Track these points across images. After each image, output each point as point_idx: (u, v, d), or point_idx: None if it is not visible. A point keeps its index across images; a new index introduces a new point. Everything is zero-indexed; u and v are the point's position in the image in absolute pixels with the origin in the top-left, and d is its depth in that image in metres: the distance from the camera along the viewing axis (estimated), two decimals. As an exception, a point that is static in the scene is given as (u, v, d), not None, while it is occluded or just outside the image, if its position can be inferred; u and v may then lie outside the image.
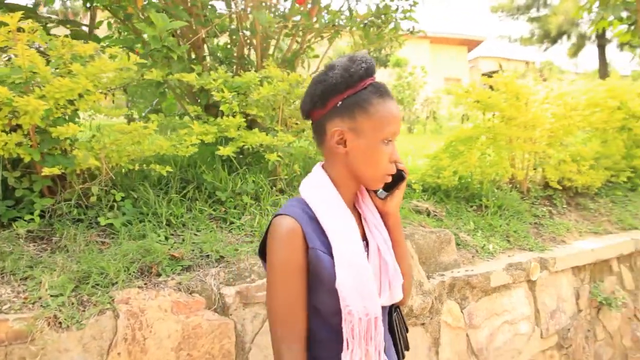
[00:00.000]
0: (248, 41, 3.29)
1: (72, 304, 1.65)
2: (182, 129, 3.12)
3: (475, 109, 3.80)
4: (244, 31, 3.03)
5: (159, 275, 1.90)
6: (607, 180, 4.55)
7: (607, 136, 4.50)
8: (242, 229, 2.35)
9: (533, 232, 3.46)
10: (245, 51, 3.33)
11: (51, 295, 1.65)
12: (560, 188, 4.06)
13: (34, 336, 1.53)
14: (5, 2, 2.72)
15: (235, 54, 3.19)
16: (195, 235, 2.22)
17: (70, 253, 1.90)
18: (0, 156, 1.96)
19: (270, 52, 3.41)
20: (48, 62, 2.03)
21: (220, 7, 3.16)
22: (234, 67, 3.26)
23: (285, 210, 1.10)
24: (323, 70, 1.15)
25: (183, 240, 2.14)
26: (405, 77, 11.66)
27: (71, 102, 2.05)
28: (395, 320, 1.25)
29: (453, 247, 2.76)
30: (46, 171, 1.94)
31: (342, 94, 1.08)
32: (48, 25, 2.81)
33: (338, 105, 1.09)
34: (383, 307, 1.15)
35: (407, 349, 1.28)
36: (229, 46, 3.42)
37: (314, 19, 3.23)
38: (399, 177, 1.19)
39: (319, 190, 1.14)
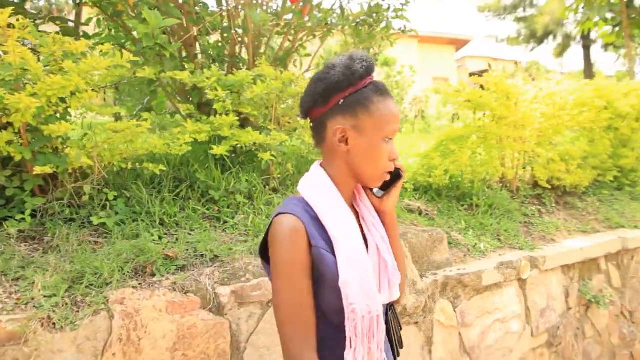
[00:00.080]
0: (240, 39, 3.27)
1: (66, 304, 1.63)
2: (173, 127, 3.10)
3: (466, 109, 3.83)
4: (236, 29, 3.01)
5: (153, 275, 1.88)
6: (594, 180, 4.61)
7: (594, 136, 4.55)
8: (236, 228, 2.34)
9: (523, 231, 3.49)
10: (237, 49, 3.32)
11: (44, 296, 1.63)
12: (549, 187, 4.11)
13: (28, 337, 1.51)
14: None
15: (227, 52, 3.17)
16: (189, 234, 2.20)
17: (62, 253, 1.88)
18: (-10, 155, 1.93)
19: (262, 50, 3.39)
20: (38, 60, 1.99)
21: (212, 5, 3.13)
22: (226, 65, 3.24)
23: (286, 208, 1.09)
24: (323, 68, 1.14)
25: (177, 239, 2.13)
26: (393, 76, 11.69)
27: (62, 100, 2.02)
28: (390, 319, 1.26)
29: (445, 246, 2.78)
30: (38, 170, 1.91)
31: (344, 92, 1.08)
32: (36, 22, 2.77)
33: (340, 103, 1.09)
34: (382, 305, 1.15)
35: (402, 347, 1.29)
36: (220, 44, 3.39)
37: (307, 18, 3.22)
38: (395, 175, 1.20)
39: (319, 189, 1.14)
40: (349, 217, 1.12)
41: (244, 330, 1.95)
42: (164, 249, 2.00)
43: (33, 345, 1.51)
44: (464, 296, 2.69)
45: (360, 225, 1.19)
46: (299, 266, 1.02)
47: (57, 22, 2.72)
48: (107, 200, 2.18)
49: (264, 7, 3.24)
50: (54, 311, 1.59)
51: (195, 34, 2.93)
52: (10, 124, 1.91)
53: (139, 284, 1.80)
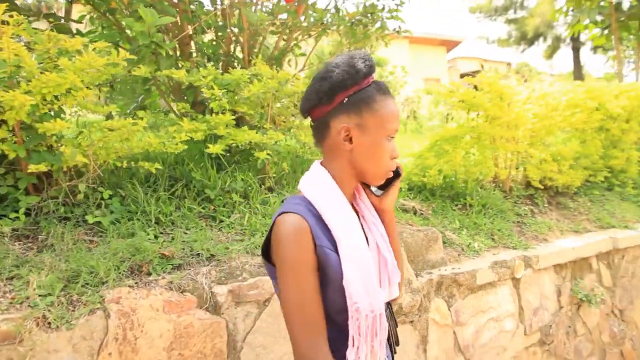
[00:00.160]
0: (234, 38, 3.26)
1: (62, 303, 1.62)
2: (166, 126, 3.09)
3: (460, 109, 3.85)
4: (232, 28, 3.00)
5: (149, 274, 1.87)
6: (585, 180, 4.65)
7: (585, 136, 4.60)
8: (232, 228, 2.33)
9: (516, 230, 3.52)
10: (231, 48, 3.30)
11: (39, 295, 1.61)
12: (542, 187, 4.14)
13: (23, 337, 1.49)
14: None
15: (222, 51, 3.16)
16: (185, 233, 2.19)
17: (57, 252, 1.86)
18: (-16, 153, 1.91)
19: (257, 49, 3.38)
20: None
21: (206, 3, 3.11)
22: (221, 64, 3.22)
23: (289, 208, 1.08)
24: (325, 67, 1.14)
25: (173, 238, 2.12)
26: (385, 76, 11.71)
27: (56, 97, 2.00)
28: (387, 317, 1.26)
29: (440, 245, 2.79)
30: (32, 168, 1.89)
31: (348, 90, 1.09)
32: (29, 18, 2.74)
33: (344, 101, 1.09)
34: None
35: (398, 344, 1.30)
36: (214, 43, 3.38)
37: (302, 17, 3.22)
38: (394, 173, 1.20)
39: (320, 187, 1.13)
40: (352, 215, 1.12)
41: (241, 330, 1.94)
42: (160, 248, 1.99)
43: (28, 345, 1.49)
44: (459, 295, 2.71)
45: (360, 224, 1.19)
46: (305, 265, 1.01)
47: (50, 20, 2.69)
48: (102, 199, 2.16)
49: (259, 6, 3.24)
50: (49, 310, 1.57)
51: (191, 32, 2.91)
52: (4, 122, 1.89)
53: (135, 283, 1.79)
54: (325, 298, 1.05)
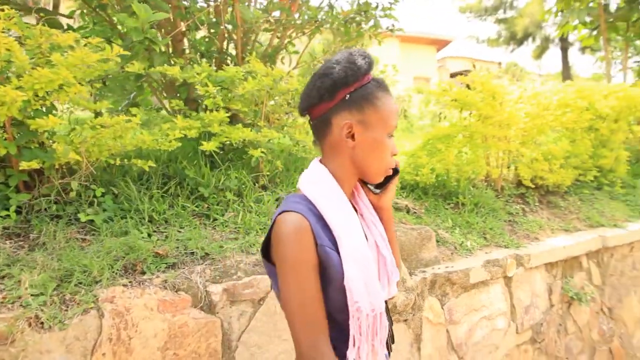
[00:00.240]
0: (227, 35, 3.23)
1: (54, 303, 1.59)
2: (158, 123, 3.05)
3: (453, 108, 3.86)
4: (226, 25, 2.98)
5: (143, 273, 1.85)
6: (575, 179, 4.70)
7: (575, 136, 4.64)
8: (226, 226, 2.32)
9: (508, 229, 3.54)
10: (224, 45, 3.28)
11: (32, 295, 1.59)
12: (533, 186, 4.17)
13: (14, 337, 1.46)
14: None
15: (215, 48, 3.13)
16: (179, 232, 2.17)
17: (49, 250, 1.83)
18: (-26, 149, 1.87)
19: (250, 47, 3.36)
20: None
21: (199, 0, 3.09)
22: (214, 61, 3.20)
23: (289, 206, 1.07)
24: (325, 65, 1.13)
25: (167, 237, 2.10)
26: (376, 75, 11.70)
27: (48, 93, 1.97)
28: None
29: (434, 243, 2.80)
30: (23, 165, 1.86)
31: (350, 87, 1.08)
32: (20, 13, 2.69)
33: (346, 98, 1.08)
34: None
35: (393, 341, 1.30)
36: (207, 40, 3.35)
37: (297, 15, 3.20)
38: (392, 171, 1.20)
39: (321, 186, 1.12)
40: (352, 214, 1.11)
41: (236, 329, 1.93)
42: (154, 247, 1.97)
43: (20, 346, 1.47)
44: (452, 294, 2.71)
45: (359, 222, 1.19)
46: (306, 265, 1.00)
47: (42, 14, 2.64)
48: (94, 196, 2.14)
49: (253, 3, 3.22)
50: (41, 310, 1.55)
51: (184, 28, 2.89)
52: (-6, 118, 1.86)
53: (129, 282, 1.77)
54: (326, 297, 1.04)
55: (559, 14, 9.80)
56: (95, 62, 2.02)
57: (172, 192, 2.41)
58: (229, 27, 3.05)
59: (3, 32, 1.84)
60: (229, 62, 3.25)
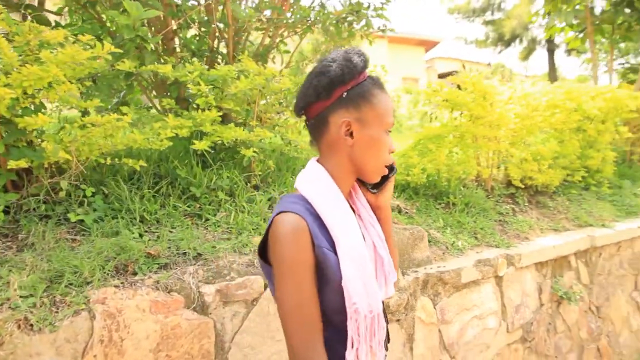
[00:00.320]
0: (218, 34, 3.21)
1: (44, 304, 1.56)
2: (149, 122, 3.02)
3: (444, 108, 3.87)
4: (217, 23, 2.95)
5: (135, 273, 1.83)
6: (563, 180, 4.74)
7: (564, 137, 4.68)
8: (219, 226, 2.30)
9: (498, 229, 3.56)
10: (215, 44, 3.25)
11: (21, 296, 1.55)
12: (522, 186, 4.20)
13: (3, 340, 1.43)
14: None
15: (206, 47, 3.11)
16: (171, 232, 2.14)
17: (39, 251, 1.80)
18: (-40, 148, 1.83)
19: (241, 45, 3.34)
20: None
21: (190, -3, 3.06)
22: (205, 59, 3.17)
23: (286, 207, 1.06)
24: (321, 63, 1.12)
25: (158, 237, 2.07)
26: (367, 74, 11.70)
27: (37, 91, 1.93)
28: None
29: (426, 243, 2.80)
30: (11, 164, 1.82)
31: (347, 85, 1.08)
32: (5, 8, 2.64)
33: (343, 96, 1.08)
34: None
35: (389, 341, 1.29)
36: (197, 39, 3.33)
37: (289, 14, 3.19)
38: (389, 169, 1.20)
39: (317, 185, 1.11)
40: (349, 214, 1.10)
41: (229, 330, 1.91)
42: (145, 247, 1.94)
43: (9, 349, 1.44)
44: (444, 293, 2.72)
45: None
46: (303, 265, 0.99)
47: (29, 11, 2.60)
48: (84, 196, 2.10)
49: (245, 2, 3.20)
50: (31, 312, 1.52)
51: (175, 27, 2.86)
52: (-19, 116, 1.82)
53: (121, 283, 1.74)
54: (322, 298, 1.03)
55: (546, 16, 9.88)
56: (86, 60, 1.98)
57: (163, 192, 2.38)
58: (221, 25, 3.03)
59: (-9, 28, 1.81)
60: (220, 61, 3.23)
